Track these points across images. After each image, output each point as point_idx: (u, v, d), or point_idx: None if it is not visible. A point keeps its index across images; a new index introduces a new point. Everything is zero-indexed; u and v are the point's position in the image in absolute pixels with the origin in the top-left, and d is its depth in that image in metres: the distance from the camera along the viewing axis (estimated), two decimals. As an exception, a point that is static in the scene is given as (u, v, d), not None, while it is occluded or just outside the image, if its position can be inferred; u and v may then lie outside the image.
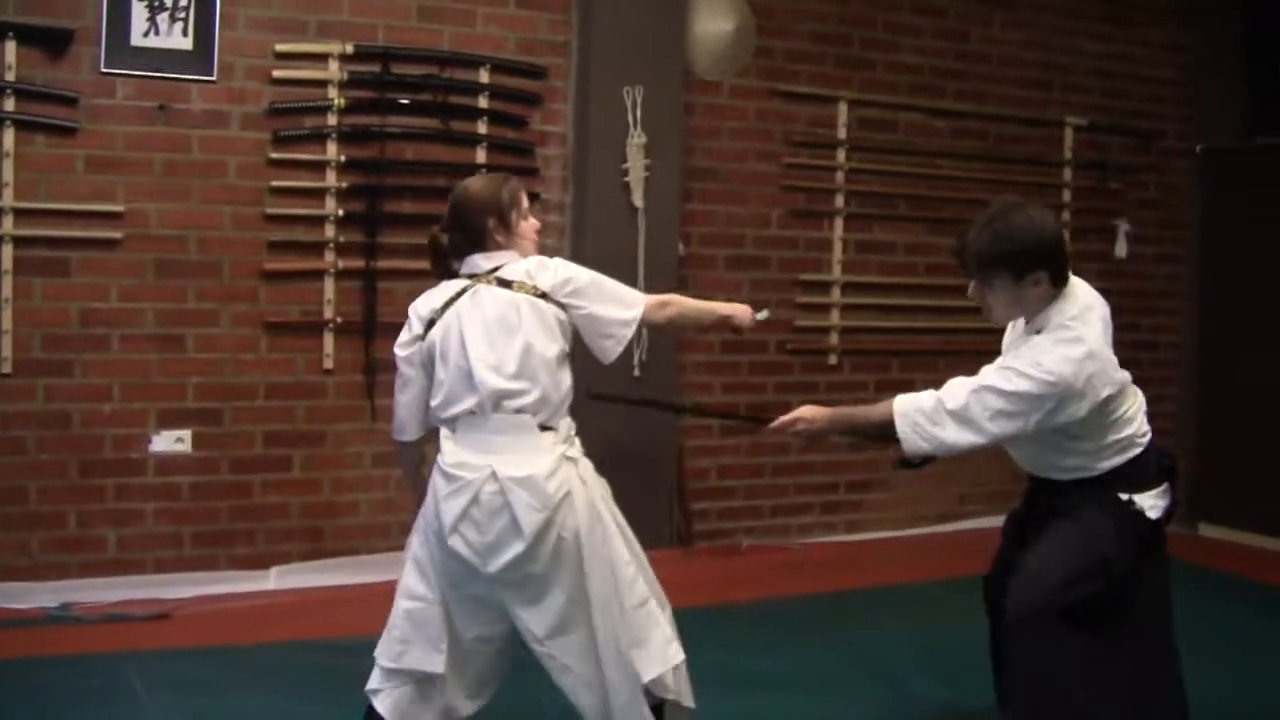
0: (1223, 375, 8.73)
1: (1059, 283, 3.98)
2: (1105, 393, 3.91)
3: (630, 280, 6.66)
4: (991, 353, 7.95)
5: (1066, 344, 3.90)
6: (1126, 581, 4.02)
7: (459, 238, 4.16)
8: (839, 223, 7.93)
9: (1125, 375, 4.05)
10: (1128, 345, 8.19)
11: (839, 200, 7.92)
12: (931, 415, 3.99)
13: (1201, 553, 7.99)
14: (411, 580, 4.12)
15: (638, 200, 7.04)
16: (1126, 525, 4.01)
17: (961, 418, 3.95)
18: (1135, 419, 4.09)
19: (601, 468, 4.21)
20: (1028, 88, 8.50)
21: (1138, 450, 4.08)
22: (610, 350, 4.16)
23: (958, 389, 3.98)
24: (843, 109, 7.89)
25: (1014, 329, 4.27)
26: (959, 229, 8.14)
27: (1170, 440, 8.72)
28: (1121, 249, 8.73)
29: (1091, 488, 4.05)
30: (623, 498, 4.20)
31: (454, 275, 4.17)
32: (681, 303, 4.50)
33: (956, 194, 8.17)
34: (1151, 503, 4.05)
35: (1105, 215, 8.73)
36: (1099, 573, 3.94)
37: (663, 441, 7.29)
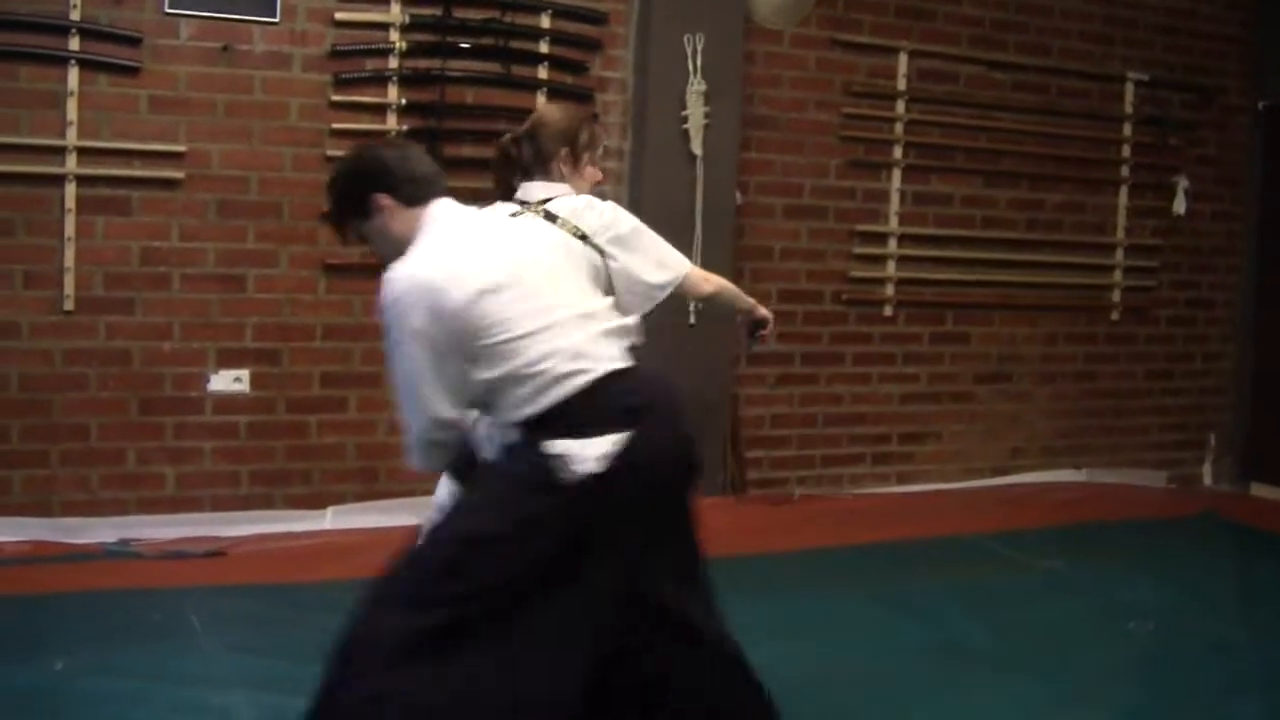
0: (1278, 334, 8.65)
1: (412, 201, 3.41)
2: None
3: (688, 228, 6.74)
4: (1051, 306, 7.98)
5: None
6: None
7: (528, 152, 4.15)
8: (897, 174, 7.89)
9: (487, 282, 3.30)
10: (1183, 303, 8.27)
11: (897, 151, 7.88)
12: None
13: (1254, 513, 7.96)
14: (443, 492, 4.15)
15: (696, 148, 7.02)
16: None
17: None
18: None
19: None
20: (1089, 42, 8.41)
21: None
22: (633, 307, 4.00)
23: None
24: (903, 60, 7.84)
25: None
26: (1017, 181, 8.18)
27: (1223, 399, 8.69)
28: (1180, 206, 8.64)
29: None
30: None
31: (510, 193, 4.15)
32: (726, 287, 4.50)
33: (1015, 147, 8.15)
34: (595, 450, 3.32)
35: (1164, 172, 8.64)
36: None
37: (718, 390, 7.31)
